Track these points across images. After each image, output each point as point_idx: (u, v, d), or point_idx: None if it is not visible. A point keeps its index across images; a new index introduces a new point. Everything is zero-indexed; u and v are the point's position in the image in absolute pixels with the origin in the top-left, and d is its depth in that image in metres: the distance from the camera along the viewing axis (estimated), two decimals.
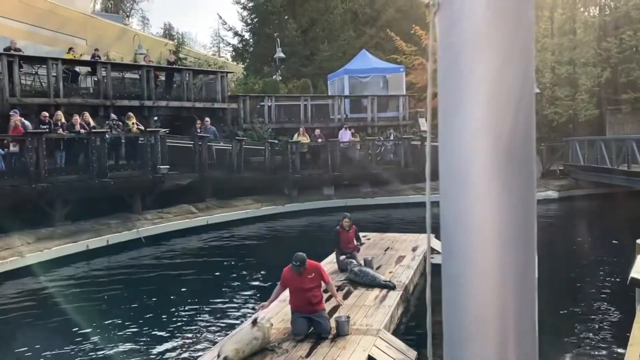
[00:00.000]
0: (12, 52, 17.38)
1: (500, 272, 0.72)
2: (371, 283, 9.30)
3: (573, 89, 26.08)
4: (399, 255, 11.57)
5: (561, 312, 9.74)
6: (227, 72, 25.09)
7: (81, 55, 22.99)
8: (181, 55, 30.41)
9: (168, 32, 55.95)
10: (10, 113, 15.05)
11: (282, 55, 31.00)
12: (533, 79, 0.75)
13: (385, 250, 12.13)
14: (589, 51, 25.80)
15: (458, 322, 0.79)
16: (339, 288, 9.11)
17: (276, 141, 22.53)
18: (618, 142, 20.79)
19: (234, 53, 42.30)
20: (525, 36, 0.71)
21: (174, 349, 8.40)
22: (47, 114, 15.72)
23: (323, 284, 7.45)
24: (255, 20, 38.94)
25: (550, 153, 25.68)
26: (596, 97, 26.60)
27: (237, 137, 21.33)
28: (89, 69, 20.25)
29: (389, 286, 9.14)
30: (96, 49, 21.82)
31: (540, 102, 26.88)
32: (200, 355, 7.11)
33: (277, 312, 7.86)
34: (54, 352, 8.35)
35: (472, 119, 0.68)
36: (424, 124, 27.07)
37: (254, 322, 6.64)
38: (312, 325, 7.15)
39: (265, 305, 6.93)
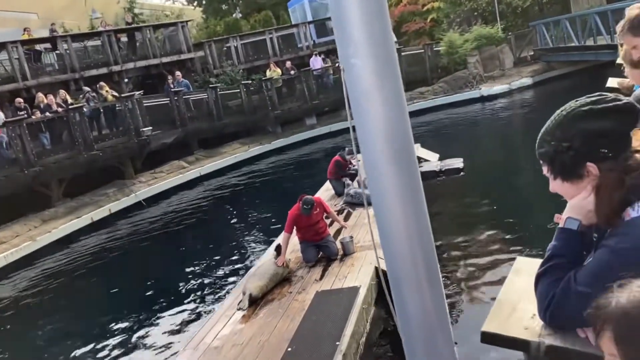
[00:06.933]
0: None
1: (404, 228, 1.13)
2: (368, 202, 9.92)
3: None
4: None
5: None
6: (187, 21, 24.67)
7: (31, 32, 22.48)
8: (136, 11, 29.70)
9: None
10: None
11: None
12: (404, 105, 1.13)
13: None
14: None
15: (391, 260, 1.18)
16: (339, 212, 9.73)
17: (250, 81, 22.58)
18: (582, 18, 20.99)
19: None
20: (393, 82, 1.12)
21: (199, 292, 9.09)
22: (21, 100, 15.75)
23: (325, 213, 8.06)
24: None
25: (519, 40, 25.83)
26: None
27: (210, 85, 21.38)
28: (49, 45, 19.93)
29: None
30: (52, 24, 21.39)
31: None
32: (225, 296, 7.78)
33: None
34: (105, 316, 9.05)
35: (374, 136, 1.11)
36: (393, 35, 26.97)
37: (276, 259, 7.23)
38: (320, 251, 7.80)
39: (280, 260, 7.28)
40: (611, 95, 1.45)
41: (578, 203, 1.48)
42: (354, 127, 1.15)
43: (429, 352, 1.13)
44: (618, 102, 1.42)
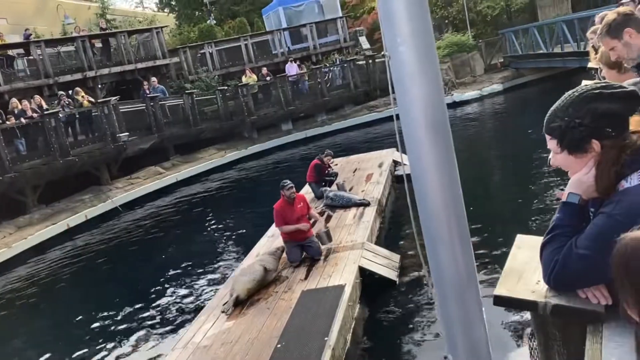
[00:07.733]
0: None
1: (441, 195, 1.30)
2: (347, 204, 10.12)
3: None
4: (367, 174, 12.36)
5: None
6: (162, 27, 24.61)
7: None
8: (108, 17, 29.48)
9: None
10: None
11: None
12: (441, 86, 1.28)
13: (354, 172, 12.89)
14: None
15: (428, 224, 1.33)
16: (320, 214, 9.89)
17: (225, 87, 22.64)
18: (549, 26, 21.67)
19: (159, 2, 40.84)
20: (432, 67, 1.29)
21: (182, 294, 9.12)
22: None
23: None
24: None
25: (489, 47, 26.48)
26: None
27: (186, 91, 21.37)
28: (21, 50, 19.68)
29: (364, 203, 9.97)
30: (27, 29, 21.13)
31: None
32: (210, 296, 7.85)
33: (269, 247, 8.57)
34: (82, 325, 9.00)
35: (415, 111, 1.27)
36: (366, 42, 27.38)
37: (265, 270, 7.33)
38: (304, 251, 7.94)
39: (307, 224, 7.98)
40: (617, 83, 1.68)
41: (579, 179, 1.68)
42: (397, 115, 1.30)
43: (460, 303, 1.30)
44: (625, 89, 1.64)
